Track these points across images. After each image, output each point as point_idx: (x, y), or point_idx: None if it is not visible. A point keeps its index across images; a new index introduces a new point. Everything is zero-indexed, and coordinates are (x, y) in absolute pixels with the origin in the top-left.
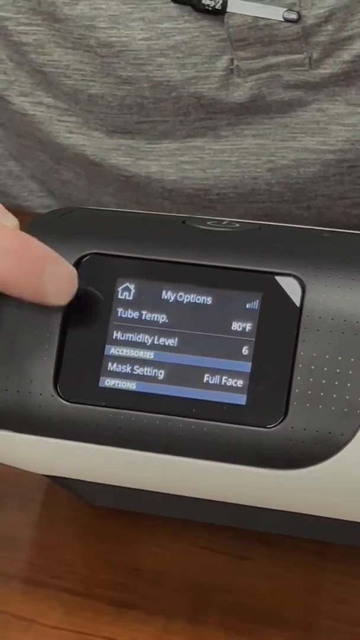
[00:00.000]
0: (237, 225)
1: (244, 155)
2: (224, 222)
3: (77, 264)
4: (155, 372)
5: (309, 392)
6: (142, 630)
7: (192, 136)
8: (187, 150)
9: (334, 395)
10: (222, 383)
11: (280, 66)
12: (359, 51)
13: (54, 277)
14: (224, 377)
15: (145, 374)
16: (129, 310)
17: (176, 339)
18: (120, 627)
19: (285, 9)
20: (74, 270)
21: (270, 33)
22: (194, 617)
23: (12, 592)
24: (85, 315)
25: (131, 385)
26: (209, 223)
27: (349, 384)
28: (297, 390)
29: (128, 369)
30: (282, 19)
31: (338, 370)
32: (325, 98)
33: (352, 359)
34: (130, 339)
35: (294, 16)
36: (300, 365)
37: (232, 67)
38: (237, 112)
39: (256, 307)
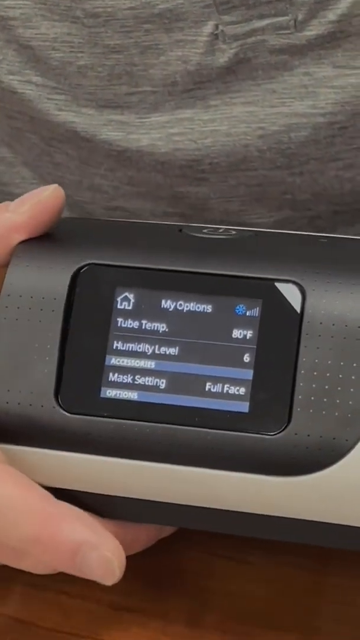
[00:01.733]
0: (233, 232)
1: (234, 124)
2: (220, 230)
3: (75, 275)
4: (156, 382)
5: (312, 399)
6: (141, 633)
7: (181, 107)
8: (177, 122)
9: (337, 401)
10: (225, 391)
11: (265, 30)
12: (344, 10)
13: (87, 563)
14: (226, 385)
15: (146, 383)
16: (129, 319)
17: (177, 347)
18: (119, 630)
19: None
20: (116, 550)
21: None
22: (192, 620)
23: (11, 595)
24: (85, 326)
25: (133, 395)
26: (205, 231)
27: (352, 389)
28: (300, 397)
29: (129, 379)
30: None
31: (341, 376)
32: (312, 62)
33: (354, 364)
34: (130, 349)
35: None
36: (302, 372)
37: (217, 32)
38: (225, 80)
39: (256, 314)
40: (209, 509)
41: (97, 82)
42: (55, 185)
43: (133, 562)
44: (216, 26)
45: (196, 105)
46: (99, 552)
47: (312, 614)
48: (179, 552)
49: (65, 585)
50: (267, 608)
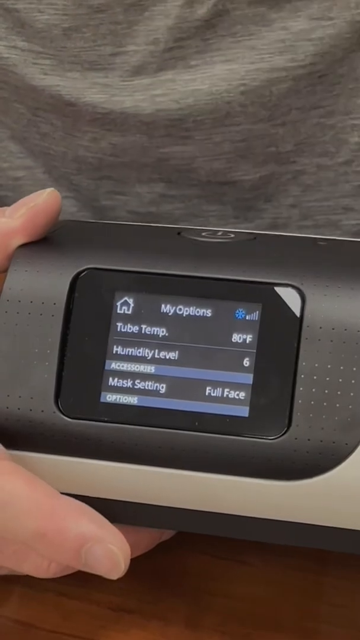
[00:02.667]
0: (232, 235)
1: (215, 82)
2: (219, 233)
3: (74, 280)
4: (156, 386)
5: (312, 403)
6: (140, 634)
7: (163, 69)
8: (159, 84)
9: (337, 405)
10: (224, 395)
11: None
12: None
13: (93, 557)
14: (225, 390)
15: (146, 388)
16: (129, 324)
17: (177, 352)
18: (118, 631)
19: None
20: (121, 544)
21: None
22: (192, 621)
23: (11, 597)
24: (85, 330)
25: (133, 400)
26: (204, 234)
27: (351, 394)
28: (299, 401)
29: (129, 383)
30: None
31: (340, 380)
32: (289, 15)
33: (354, 368)
34: (130, 353)
35: None
36: (302, 376)
37: None
38: (204, 36)
39: (256, 318)
40: (209, 512)
41: (82, 43)
42: (51, 189)
43: (133, 563)
44: None
45: (177, 66)
46: (105, 546)
47: (311, 616)
48: (178, 553)
49: (64, 587)
50: (267, 609)
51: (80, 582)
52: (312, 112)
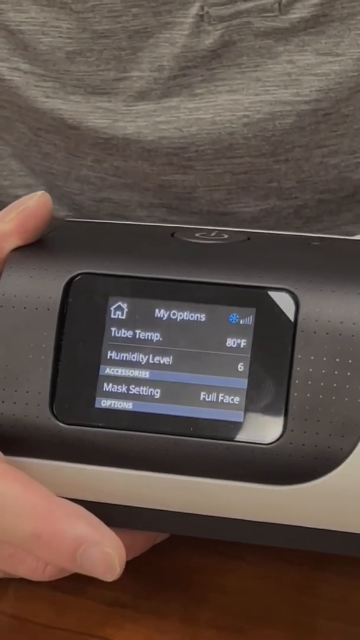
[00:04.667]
0: (225, 236)
1: (219, 112)
2: (213, 234)
3: (68, 285)
4: (151, 391)
5: (307, 408)
6: (135, 629)
7: (167, 96)
8: (163, 110)
9: (332, 410)
10: (219, 400)
11: (250, 12)
12: None
13: (88, 560)
14: (220, 395)
15: (141, 393)
16: (123, 329)
17: (171, 357)
18: (113, 626)
19: None
20: (117, 546)
21: None
22: (187, 616)
23: (5, 592)
24: (79, 335)
25: (127, 405)
26: (197, 235)
27: (346, 398)
28: (294, 406)
29: (124, 388)
30: None
31: (335, 385)
32: (295, 49)
33: (348, 373)
34: (124, 359)
35: None
36: (296, 381)
37: (202, 13)
38: (210, 66)
39: (250, 323)
40: (204, 516)
41: (86, 67)
42: (42, 192)
43: (127, 559)
44: (202, 7)
45: (182, 94)
46: (100, 548)
47: (306, 611)
48: (173, 549)
49: (59, 581)
50: (262, 604)
51: (75, 577)
52: (315, 151)
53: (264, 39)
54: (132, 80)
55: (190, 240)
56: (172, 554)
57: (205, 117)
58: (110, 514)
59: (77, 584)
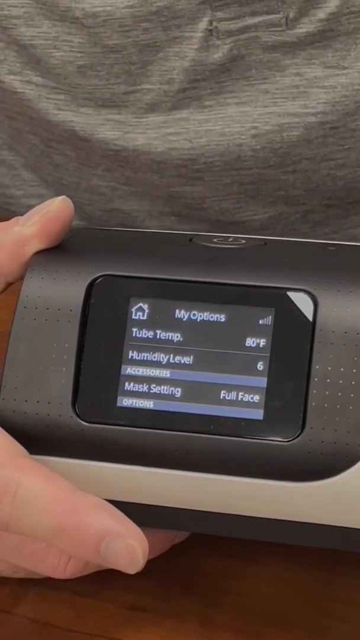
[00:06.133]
0: (243, 241)
1: (227, 124)
2: (230, 239)
3: (90, 286)
4: (172, 390)
5: (325, 405)
6: (153, 632)
7: (177, 108)
8: (173, 122)
9: (350, 408)
10: (239, 399)
11: (258, 27)
12: (333, 9)
13: (112, 552)
14: (240, 393)
15: (162, 392)
16: (144, 329)
17: (191, 356)
18: (131, 629)
19: None
20: (140, 539)
21: None
22: (204, 619)
23: (26, 596)
24: (101, 336)
25: (149, 404)
26: (215, 240)
27: None
28: (313, 404)
29: (145, 388)
30: None
31: (353, 383)
32: (303, 62)
33: None
34: (146, 358)
35: None
36: (315, 379)
37: (211, 28)
38: (219, 79)
39: (269, 323)
40: (224, 514)
41: (96, 81)
42: (63, 197)
43: (146, 563)
44: (210, 22)
45: (191, 106)
46: (124, 540)
47: (322, 614)
48: (190, 553)
49: (78, 586)
50: (278, 607)
51: (94, 581)
52: (323, 164)
53: (272, 52)
54: (142, 92)
55: (209, 244)
56: (190, 559)
57: (215, 128)
58: (131, 513)
59: (97, 588)
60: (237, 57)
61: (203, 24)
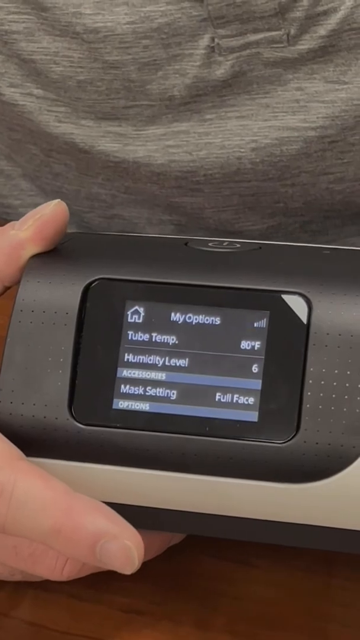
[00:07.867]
0: (238, 245)
1: (227, 137)
2: (225, 243)
3: (86, 290)
4: (167, 393)
5: (320, 407)
6: (150, 635)
7: (177, 120)
8: (173, 135)
9: (344, 409)
10: (234, 401)
11: (260, 43)
12: (334, 26)
13: (107, 553)
14: (235, 395)
15: (157, 394)
16: (139, 332)
17: (187, 359)
18: (129, 632)
19: None
20: (135, 540)
21: (248, 10)
22: (202, 622)
23: (22, 598)
24: (97, 339)
25: (144, 406)
26: (210, 244)
27: (358, 398)
28: (308, 406)
29: (141, 390)
30: None
31: (347, 385)
32: (304, 76)
33: None
34: (141, 361)
35: None
36: (310, 381)
37: (213, 45)
38: (220, 93)
39: (264, 326)
40: (220, 516)
41: (96, 96)
42: (58, 200)
43: (143, 566)
44: (212, 39)
45: (192, 119)
46: (119, 541)
47: (319, 617)
48: (188, 555)
49: (75, 589)
50: (275, 610)
51: (91, 584)
52: (321, 177)
53: (273, 67)
54: (142, 107)
55: (204, 248)
56: (186, 562)
57: (215, 141)
58: (127, 515)
59: (93, 591)
60: (239, 73)
61: (204, 41)
